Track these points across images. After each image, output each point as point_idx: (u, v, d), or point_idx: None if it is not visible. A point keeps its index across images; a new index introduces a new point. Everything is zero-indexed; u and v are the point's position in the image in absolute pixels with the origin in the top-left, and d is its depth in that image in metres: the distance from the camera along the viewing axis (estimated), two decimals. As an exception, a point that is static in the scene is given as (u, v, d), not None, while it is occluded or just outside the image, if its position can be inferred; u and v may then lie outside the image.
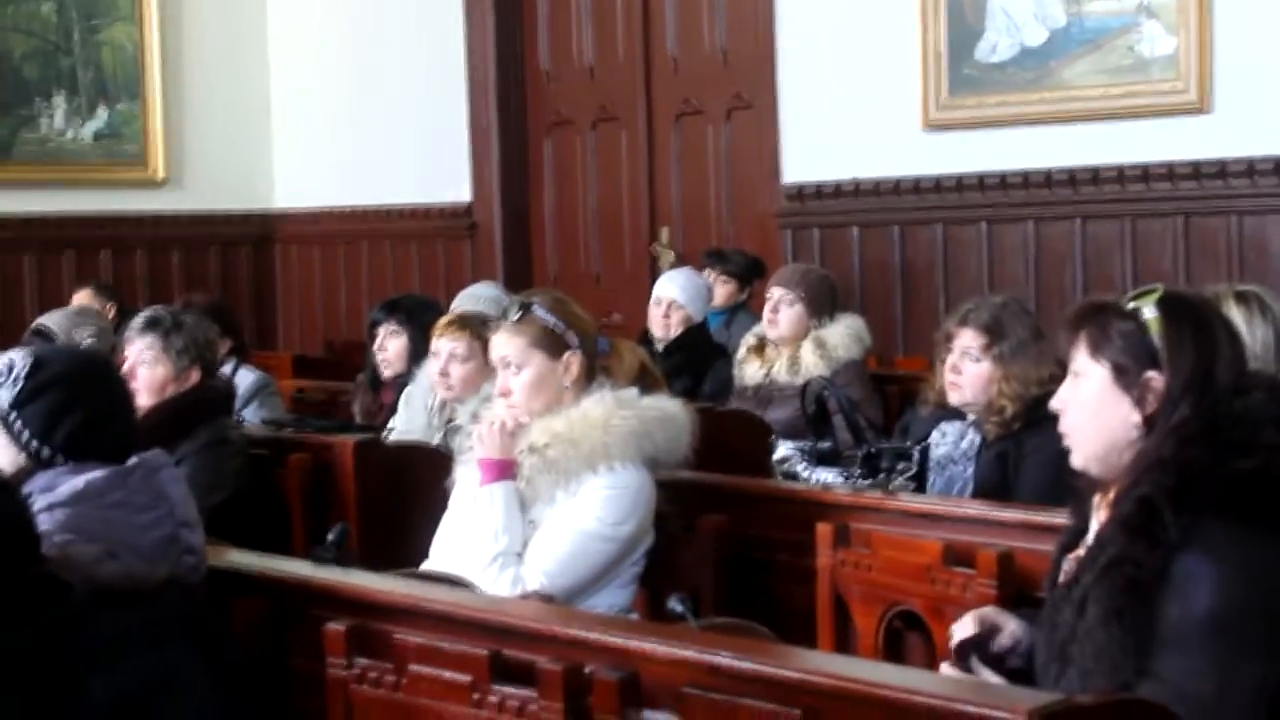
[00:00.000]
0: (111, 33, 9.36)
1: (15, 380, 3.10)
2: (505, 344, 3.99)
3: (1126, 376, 2.82)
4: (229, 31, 9.76)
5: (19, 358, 3.15)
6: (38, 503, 2.93)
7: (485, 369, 4.78)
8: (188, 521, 3.08)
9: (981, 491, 4.40)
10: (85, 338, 5.20)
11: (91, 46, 9.31)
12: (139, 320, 4.86)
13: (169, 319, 4.85)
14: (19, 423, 3.08)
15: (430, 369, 5.32)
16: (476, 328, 5.11)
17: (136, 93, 9.44)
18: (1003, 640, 3.02)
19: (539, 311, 3.99)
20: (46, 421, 3.08)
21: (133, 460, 3.06)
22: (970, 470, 4.51)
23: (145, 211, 9.49)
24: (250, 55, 9.86)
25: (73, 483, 2.98)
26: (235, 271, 9.85)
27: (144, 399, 4.62)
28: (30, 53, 9.11)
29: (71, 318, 5.39)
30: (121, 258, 9.43)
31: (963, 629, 3.04)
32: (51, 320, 5.34)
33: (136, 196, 9.47)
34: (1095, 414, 2.86)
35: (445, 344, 5.20)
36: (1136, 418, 2.80)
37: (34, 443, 3.07)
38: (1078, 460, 2.91)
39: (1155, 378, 2.80)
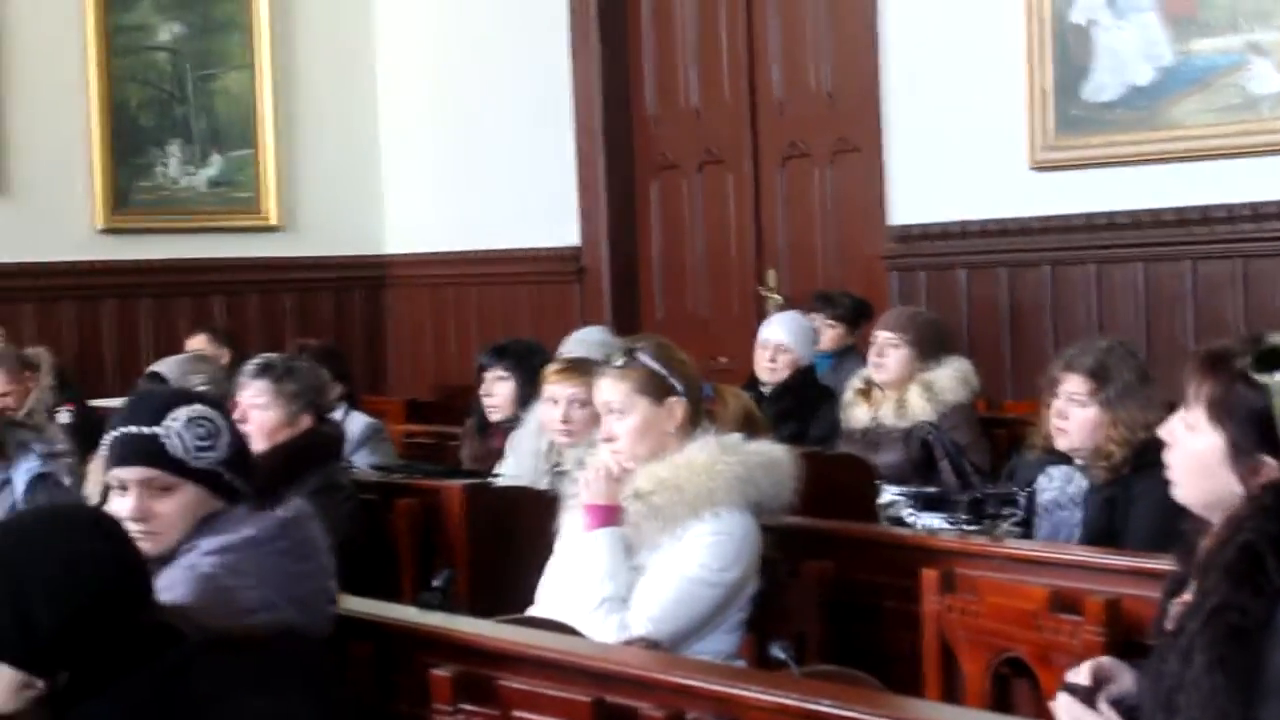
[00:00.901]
0: (225, 81, 9.52)
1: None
2: (610, 389, 4.01)
3: (1240, 453, 2.75)
4: (339, 79, 9.90)
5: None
6: (204, 545, 3.01)
7: (583, 411, 4.81)
8: (331, 571, 3.14)
9: (1089, 537, 4.36)
10: (199, 383, 5.26)
11: (205, 95, 9.47)
12: (252, 366, 4.94)
13: (281, 365, 4.92)
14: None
15: (542, 414, 5.32)
16: (587, 368, 5.14)
17: (250, 140, 9.59)
18: (1113, 690, 2.99)
19: (644, 357, 4.01)
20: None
21: (287, 509, 3.13)
22: (1077, 515, 4.47)
23: (258, 257, 9.63)
24: (360, 101, 9.99)
25: (245, 528, 3.05)
26: (347, 316, 9.96)
27: (256, 444, 4.67)
28: (146, 102, 9.28)
29: (185, 363, 5.47)
30: (235, 303, 9.56)
31: (1077, 676, 3.01)
32: (165, 366, 5.43)
33: (250, 242, 9.62)
34: (1200, 471, 2.81)
35: (564, 390, 5.17)
36: (1240, 490, 2.75)
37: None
38: (1178, 495, 2.87)
39: (1270, 465, 2.74)
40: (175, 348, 9.06)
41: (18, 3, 8.86)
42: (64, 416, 7.23)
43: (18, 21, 8.86)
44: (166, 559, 3.08)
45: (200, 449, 3.15)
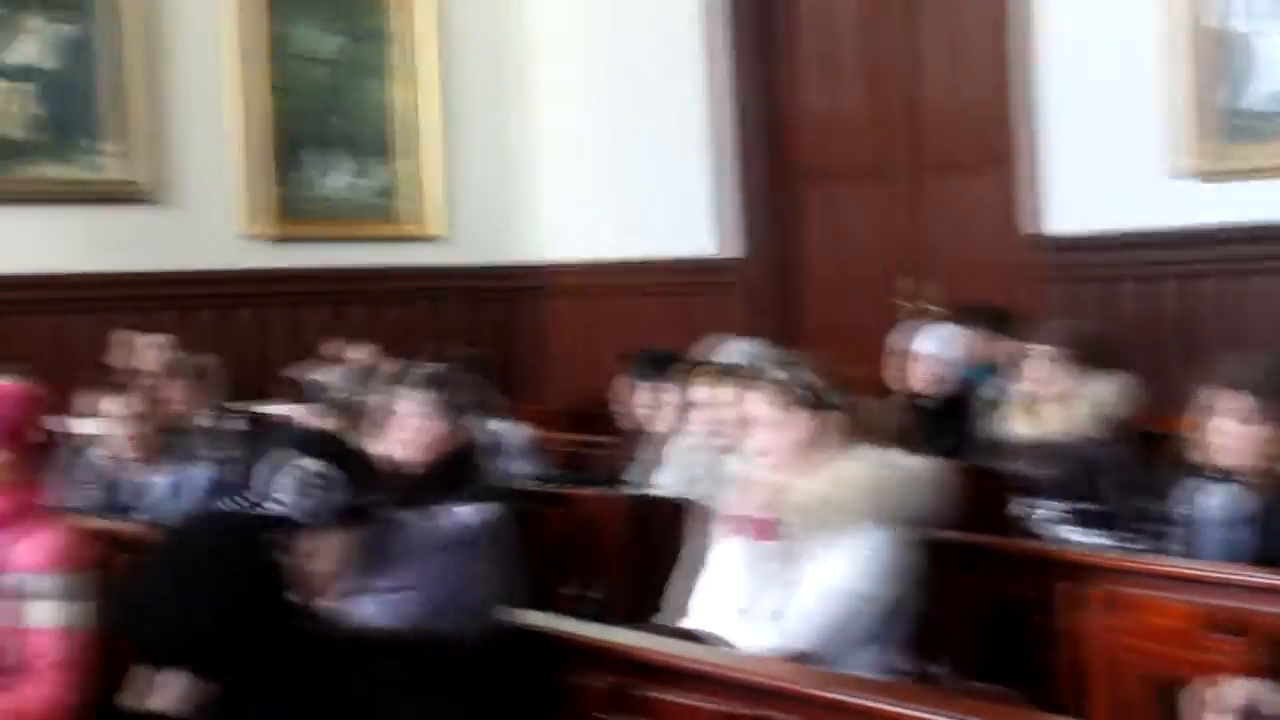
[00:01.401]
0: (383, 92, 9.64)
1: None
2: (765, 402, 4.02)
3: None
4: (496, 89, 9.99)
5: None
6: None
7: (731, 417, 4.82)
8: (498, 579, 3.19)
9: (1251, 556, 4.28)
10: (356, 393, 5.33)
11: (364, 105, 9.60)
12: (412, 375, 4.98)
13: (441, 374, 4.96)
14: None
15: (695, 419, 5.34)
16: (741, 379, 5.14)
17: (408, 150, 9.70)
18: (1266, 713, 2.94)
19: (799, 370, 4.02)
20: None
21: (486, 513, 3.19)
22: (1238, 534, 4.39)
23: (419, 266, 9.74)
24: (517, 111, 10.06)
25: (453, 521, 3.11)
26: (506, 325, 10.03)
27: (416, 454, 4.73)
28: (306, 112, 9.42)
29: (344, 372, 5.55)
30: (396, 312, 9.67)
31: (1232, 693, 2.96)
32: (324, 375, 5.51)
33: (410, 251, 9.73)
34: None
35: (712, 393, 5.20)
36: None
37: None
38: None
39: None
40: (330, 356, 9.23)
41: (179, 14, 9.02)
42: (228, 422, 7.38)
43: (179, 33, 9.02)
44: None
45: (316, 508, 3.22)
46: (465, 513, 3.20)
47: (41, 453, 4.34)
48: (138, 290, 8.80)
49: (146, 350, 8.12)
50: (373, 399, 5.36)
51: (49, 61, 8.61)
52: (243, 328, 9.23)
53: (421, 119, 9.70)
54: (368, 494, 3.29)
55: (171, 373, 7.15)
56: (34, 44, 8.59)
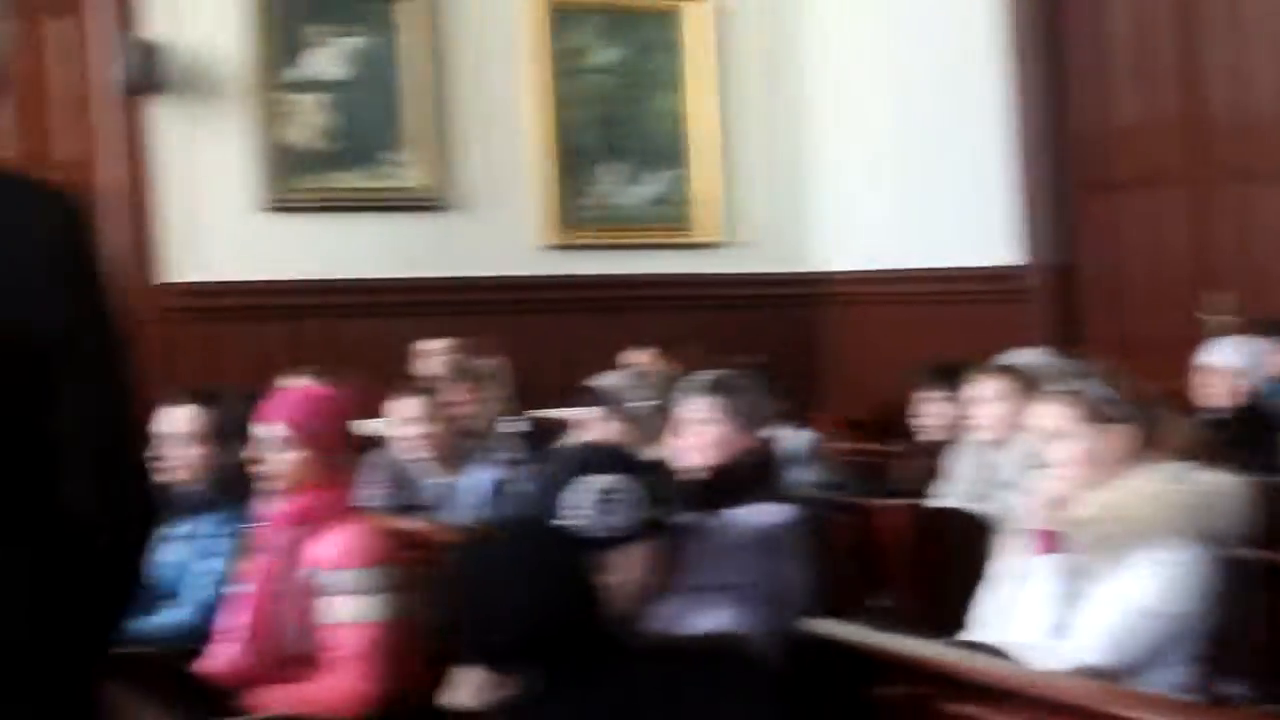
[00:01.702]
0: (662, 101, 9.74)
1: None
2: (1056, 414, 3.96)
3: None
4: (773, 96, 10.01)
5: None
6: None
7: (1017, 418, 4.77)
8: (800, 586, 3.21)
9: None
10: (642, 399, 5.40)
11: (643, 114, 9.71)
12: (695, 382, 5.02)
13: (725, 381, 4.99)
14: None
15: (977, 417, 5.32)
16: (1013, 377, 5.10)
17: (687, 158, 9.78)
18: None
19: (1091, 382, 3.96)
20: None
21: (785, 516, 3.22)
22: None
23: (696, 274, 9.81)
24: (794, 119, 10.07)
25: (755, 523, 3.16)
26: (785, 333, 10.04)
27: (699, 459, 4.77)
28: (587, 122, 9.56)
29: (629, 378, 5.62)
30: (672, 318, 9.74)
31: None
32: (609, 381, 5.58)
33: (688, 259, 9.81)
34: None
35: (989, 390, 5.19)
36: None
37: None
38: None
39: None
40: (614, 362, 9.34)
41: (468, 26, 9.23)
42: (515, 426, 7.53)
43: (466, 44, 9.23)
44: None
45: (616, 524, 3.27)
46: (763, 515, 3.22)
47: (346, 454, 4.51)
48: (435, 295, 9.02)
49: (433, 355, 8.33)
50: (658, 404, 5.43)
51: (343, 73, 8.89)
52: (532, 333, 9.38)
53: (702, 127, 9.77)
54: (664, 504, 3.33)
55: (456, 376, 7.32)
56: (329, 56, 8.88)
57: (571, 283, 9.48)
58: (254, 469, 4.44)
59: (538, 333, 9.40)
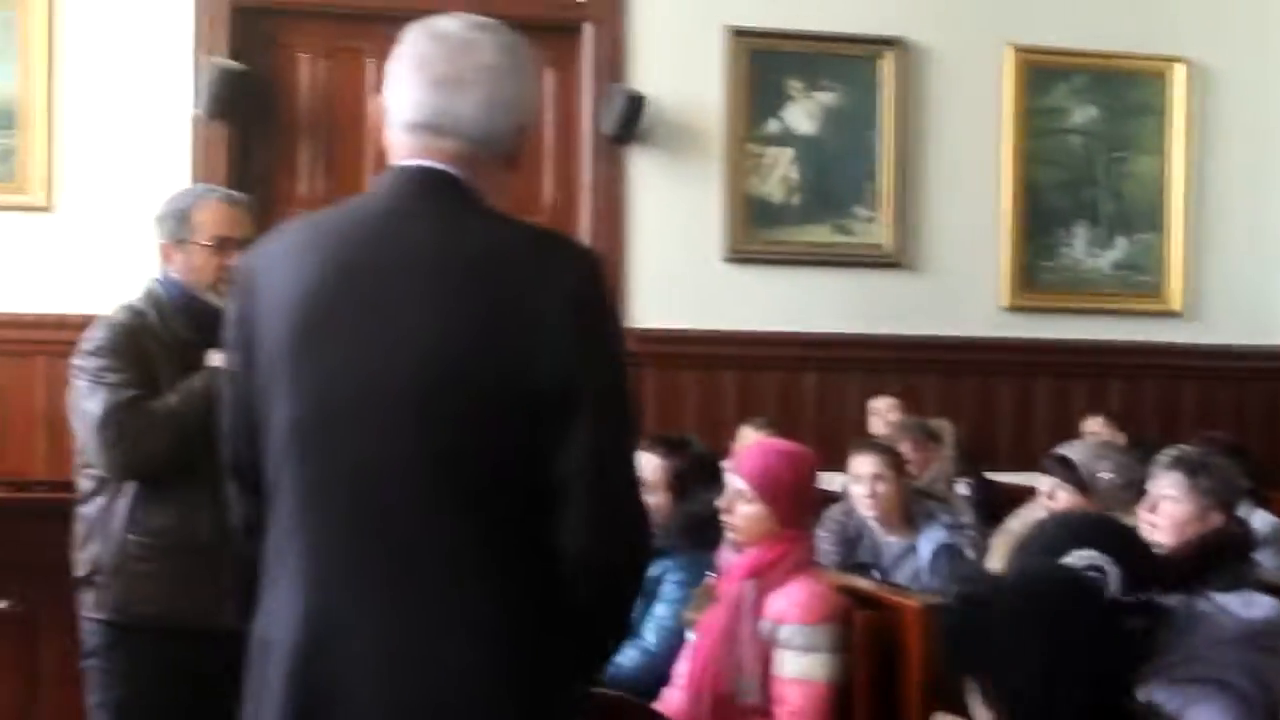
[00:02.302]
0: (1136, 165, 9.52)
1: None
2: None
3: None
4: (1256, 168, 9.67)
5: None
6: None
7: None
8: None
9: None
10: (1105, 469, 5.29)
11: (1115, 178, 9.50)
12: (1166, 457, 4.90)
13: (1196, 459, 4.86)
14: None
15: None
16: None
17: (1157, 224, 9.53)
18: None
19: None
20: None
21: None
22: None
23: (1158, 343, 9.54)
24: (1273, 187, 9.71)
25: (1247, 616, 3.07)
26: (1248, 407, 9.68)
27: (1165, 538, 4.65)
28: (1057, 183, 9.42)
29: (1093, 448, 5.50)
30: (1131, 387, 9.51)
31: None
32: (1074, 450, 5.48)
33: (1150, 327, 9.54)
34: None
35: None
36: None
37: None
38: None
39: None
40: (1069, 428, 9.17)
41: (942, 84, 9.19)
42: (963, 488, 7.47)
43: (940, 102, 9.20)
44: None
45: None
46: (1257, 607, 3.10)
47: (806, 510, 4.56)
48: (891, 353, 9.03)
49: (882, 413, 8.34)
50: (1121, 477, 5.32)
51: (816, 128, 8.99)
52: (986, 395, 9.30)
53: (1172, 193, 9.51)
54: (1143, 582, 3.25)
55: (900, 435, 7.31)
56: (805, 111, 9.00)
57: (1029, 346, 9.33)
58: (721, 519, 4.53)
59: (992, 395, 9.30)
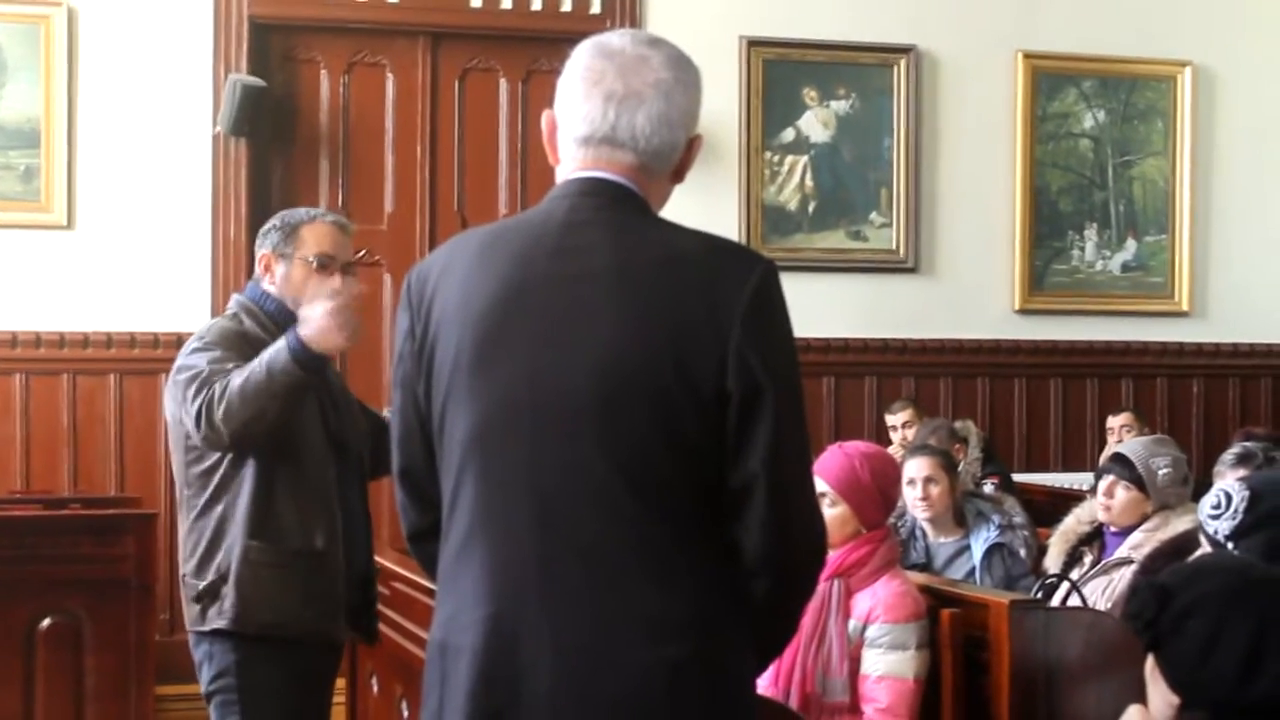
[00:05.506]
0: (1144, 168, 9.63)
1: (1235, 513, 3.31)
2: None
3: None
4: (1259, 168, 9.77)
5: (1236, 489, 3.35)
6: None
7: None
8: None
9: None
10: (1162, 465, 5.35)
11: (1124, 181, 9.60)
12: (1230, 455, 4.99)
13: (1261, 454, 4.95)
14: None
15: None
16: None
17: (1164, 226, 9.64)
18: None
19: None
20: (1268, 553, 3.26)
21: None
22: None
23: (1168, 342, 9.65)
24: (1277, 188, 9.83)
25: None
26: (1257, 405, 9.80)
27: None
28: (1066, 188, 9.52)
29: (1148, 445, 5.57)
30: (1141, 385, 9.62)
31: None
32: (1129, 448, 5.55)
33: (1160, 327, 9.65)
34: None
35: None
36: None
37: None
38: None
39: None
40: (1081, 428, 9.27)
41: (952, 90, 9.27)
42: (988, 488, 7.54)
43: (950, 108, 9.28)
44: None
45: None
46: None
47: (890, 509, 4.62)
48: (904, 357, 9.15)
49: (896, 427, 8.42)
50: (1176, 472, 5.39)
51: (829, 135, 9.06)
52: (1000, 397, 9.38)
53: (1179, 195, 9.62)
54: None
55: (928, 437, 7.39)
56: (819, 118, 9.07)
57: (1040, 348, 9.43)
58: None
59: (1004, 396, 9.39)
